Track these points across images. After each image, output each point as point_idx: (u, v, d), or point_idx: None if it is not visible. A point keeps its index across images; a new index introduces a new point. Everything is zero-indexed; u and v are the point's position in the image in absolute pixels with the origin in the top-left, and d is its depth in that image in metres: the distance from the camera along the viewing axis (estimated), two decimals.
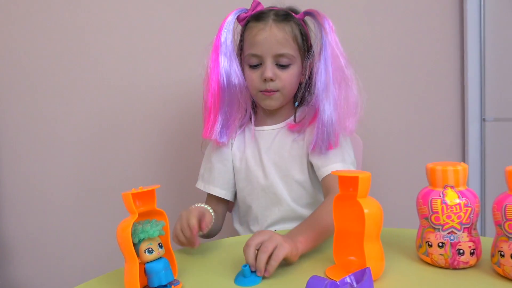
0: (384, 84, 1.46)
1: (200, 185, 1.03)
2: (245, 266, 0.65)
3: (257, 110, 1.03)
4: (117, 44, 1.36)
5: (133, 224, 0.58)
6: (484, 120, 1.49)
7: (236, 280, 0.64)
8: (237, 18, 0.95)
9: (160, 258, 0.62)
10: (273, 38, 0.90)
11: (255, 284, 0.63)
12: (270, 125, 1.00)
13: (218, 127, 0.95)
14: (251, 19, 0.94)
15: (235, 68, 0.92)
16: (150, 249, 0.60)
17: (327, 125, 0.88)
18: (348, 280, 0.53)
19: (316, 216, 0.79)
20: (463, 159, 1.49)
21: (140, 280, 0.59)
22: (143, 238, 0.59)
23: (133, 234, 0.59)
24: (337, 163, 0.90)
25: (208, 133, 0.95)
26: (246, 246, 0.66)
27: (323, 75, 0.87)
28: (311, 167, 0.95)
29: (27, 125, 1.37)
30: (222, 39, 0.91)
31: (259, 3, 0.95)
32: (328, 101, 0.88)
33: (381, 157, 1.46)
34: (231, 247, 0.80)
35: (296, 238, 0.70)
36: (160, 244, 0.62)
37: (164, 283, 0.60)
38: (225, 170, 1.01)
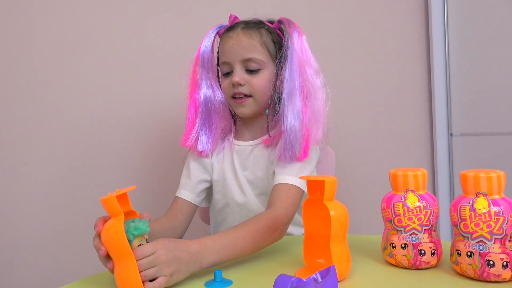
0: (355, 101, 1.52)
1: (178, 192, 1.00)
2: (217, 271, 0.67)
3: (237, 122, 1.04)
4: (99, 52, 1.38)
5: None
6: (451, 135, 1.57)
7: (207, 284, 0.66)
8: (218, 34, 0.99)
9: None
10: (239, 44, 0.93)
11: (224, 287, 0.64)
12: (247, 139, 1.02)
13: (201, 137, 0.96)
14: (225, 32, 0.98)
15: (213, 80, 0.97)
16: (142, 245, 0.62)
17: (290, 134, 0.88)
18: (314, 277, 0.56)
19: (241, 226, 0.76)
20: (433, 171, 1.55)
21: None
22: (136, 235, 0.62)
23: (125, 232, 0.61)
24: (290, 175, 0.89)
25: (188, 141, 0.97)
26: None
27: (288, 84, 0.90)
28: None
29: (8, 129, 1.36)
30: (201, 52, 0.96)
31: (235, 17, 0.99)
32: (292, 110, 0.89)
33: (352, 169, 1.50)
34: None
35: (200, 261, 0.67)
36: (147, 240, 0.65)
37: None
38: (202, 178, 1.01)
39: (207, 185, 1.03)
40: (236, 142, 1.02)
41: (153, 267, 0.61)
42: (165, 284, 0.62)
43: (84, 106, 1.39)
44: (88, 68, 1.38)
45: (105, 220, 0.65)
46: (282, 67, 0.92)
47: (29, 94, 1.36)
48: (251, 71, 0.94)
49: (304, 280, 0.53)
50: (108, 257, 0.63)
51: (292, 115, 0.89)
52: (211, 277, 0.68)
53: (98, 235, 0.63)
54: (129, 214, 0.66)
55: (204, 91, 0.96)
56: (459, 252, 0.64)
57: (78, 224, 1.36)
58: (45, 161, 1.37)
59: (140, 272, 0.60)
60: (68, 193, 1.38)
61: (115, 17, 1.39)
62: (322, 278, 0.56)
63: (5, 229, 1.36)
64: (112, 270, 0.63)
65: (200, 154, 1.00)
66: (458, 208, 0.64)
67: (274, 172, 0.93)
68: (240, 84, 0.93)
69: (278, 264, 0.74)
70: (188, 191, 1.00)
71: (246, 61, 0.93)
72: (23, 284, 1.36)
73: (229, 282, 0.66)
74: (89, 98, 1.39)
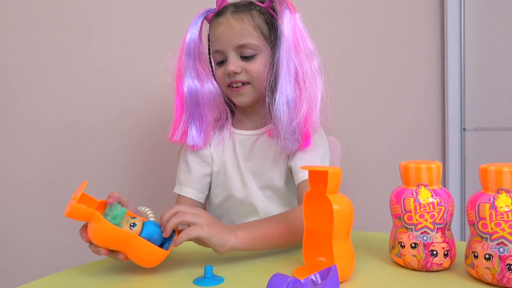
0: (365, 93, 1.45)
1: (177, 189, 0.96)
2: (208, 266, 0.61)
3: (235, 111, 0.98)
4: (87, 45, 1.31)
5: None
6: (464, 129, 1.49)
7: (196, 280, 0.60)
8: (206, 19, 0.92)
9: (144, 223, 0.64)
10: (231, 30, 0.86)
11: (215, 285, 0.59)
12: (249, 129, 0.96)
13: (190, 131, 0.91)
14: (214, 17, 0.91)
15: (201, 70, 0.90)
16: (132, 224, 0.62)
17: (283, 122, 0.83)
18: (313, 278, 0.49)
19: (276, 218, 0.75)
20: (444, 167, 1.48)
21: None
22: (119, 221, 0.61)
23: None
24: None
25: (174, 136, 0.91)
26: (171, 208, 0.65)
27: (280, 68, 0.83)
28: (290, 173, 0.91)
29: None
30: (187, 40, 0.89)
31: (224, 0, 0.92)
32: (285, 95, 0.83)
33: (358, 162, 1.44)
34: (196, 249, 0.75)
35: (235, 231, 0.67)
36: (132, 217, 0.65)
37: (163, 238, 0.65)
38: (204, 172, 0.96)
39: (209, 179, 0.97)
40: (237, 131, 0.96)
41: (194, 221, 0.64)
42: (197, 231, 0.62)
43: (70, 103, 1.32)
44: (73, 62, 1.31)
45: (85, 227, 0.63)
46: (275, 50, 0.85)
47: (15, 92, 1.30)
48: (246, 58, 0.87)
49: (302, 281, 0.47)
50: (112, 251, 0.63)
51: (284, 102, 0.82)
52: (201, 273, 0.62)
53: (90, 242, 0.62)
54: (99, 207, 0.64)
55: (189, 83, 0.89)
56: (476, 254, 0.57)
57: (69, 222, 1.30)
58: (30, 162, 1.31)
59: (180, 216, 0.63)
60: (56, 194, 1.32)
61: (98, 8, 1.31)
62: (322, 279, 0.50)
63: None
64: (125, 259, 0.63)
65: (193, 149, 0.94)
66: (477, 206, 0.57)
67: (289, 166, 0.89)
68: (236, 73, 0.87)
69: (275, 261, 0.69)
70: (190, 188, 0.95)
71: (240, 47, 0.86)
72: (13, 273, 1.32)
73: (220, 280, 0.60)
74: (76, 94, 1.31)
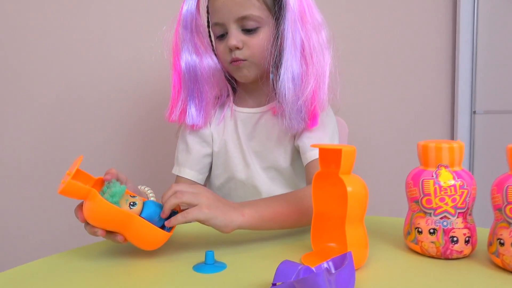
0: (375, 75, 1.40)
1: (175, 170, 0.91)
2: (209, 251, 0.56)
3: (237, 88, 0.92)
4: (82, 20, 1.24)
5: None
6: (474, 113, 1.45)
7: (196, 266, 0.55)
8: None
9: (145, 203, 0.60)
10: (231, 0, 0.79)
11: (216, 272, 0.54)
12: (252, 106, 0.90)
13: (189, 109, 0.85)
14: None
15: (200, 44, 0.84)
16: (132, 203, 0.58)
17: (287, 99, 0.77)
18: (326, 266, 0.45)
19: (285, 197, 0.70)
20: None
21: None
22: (118, 199, 0.56)
23: None
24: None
25: (172, 115, 0.86)
26: (169, 188, 0.61)
27: (285, 41, 0.77)
28: (296, 153, 0.86)
29: None
30: (184, 12, 0.82)
31: None
32: (288, 71, 0.77)
33: (368, 147, 1.39)
34: (197, 232, 0.71)
35: (241, 209, 0.62)
36: (131, 195, 0.60)
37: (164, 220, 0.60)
38: (204, 152, 0.91)
39: (209, 160, 0.92)
40: (239, 109, 0.91)
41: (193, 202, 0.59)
42: (195, 214, 0.58)
43: (66, 81, 1.25)
44: (69, 40, 1.24)
45: (81, 206, 0.58)
46: (280, 22, 0.78)
47: (9, 68, 1.24)
48: (248, 31, 0.80)
49: (314, 269, 0.43)
50: (109, 232, 0.58)
51: (289, 78, 0.76)
52: (202, 258, 0.58)
53: (86, 222, 0.58)
54: (95, 184, 0.60)
55: (186, 57, 0.83)
56: (502, 241, 0.53)
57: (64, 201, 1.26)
58: (25, 138, 1.26)
59: (178, 197, 0.59)
60: (51, 172, 1.27)
61: None
62: (336, 267, 0.45)
63: None
64: (124, 240, 0.59)
65: (192, 128, 0.88)
66: (504, 189, 0.52)
67: (297, 151, 0.84)
68: (238, 48, 0.80)
69: (280, 247, 0.64)
70: (189, 169, 0.89)
71: (241, 19, 0.79)
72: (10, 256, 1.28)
73: (222, 266, 0.56)
74: (71, 72, 1.25)
